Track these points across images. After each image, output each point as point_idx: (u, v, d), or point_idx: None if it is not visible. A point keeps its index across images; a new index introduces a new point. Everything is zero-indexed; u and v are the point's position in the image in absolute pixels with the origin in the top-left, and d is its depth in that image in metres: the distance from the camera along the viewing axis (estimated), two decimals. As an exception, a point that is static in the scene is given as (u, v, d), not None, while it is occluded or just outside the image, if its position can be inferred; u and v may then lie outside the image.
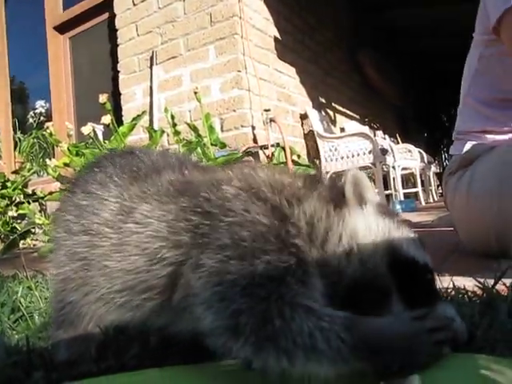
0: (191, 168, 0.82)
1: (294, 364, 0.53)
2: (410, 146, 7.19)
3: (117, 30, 5.45)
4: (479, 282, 0.99)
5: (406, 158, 6.47)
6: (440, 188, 9.56)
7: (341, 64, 7.40)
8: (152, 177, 0.78)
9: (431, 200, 7.50)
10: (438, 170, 10.24)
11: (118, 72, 5.42)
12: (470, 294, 0.98)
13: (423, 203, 6.62)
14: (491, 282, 1.00)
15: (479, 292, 0.97)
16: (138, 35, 5.29)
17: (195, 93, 4.26)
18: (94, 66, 6.00)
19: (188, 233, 0.65)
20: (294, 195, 0.66)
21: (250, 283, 0.56)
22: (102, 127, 4.45)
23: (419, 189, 6.81)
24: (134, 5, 5.32)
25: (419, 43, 9.34)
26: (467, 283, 1.07)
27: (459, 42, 8.49)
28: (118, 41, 5.43)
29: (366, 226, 0.64)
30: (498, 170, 1.68)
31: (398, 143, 8.02)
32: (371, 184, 0.71)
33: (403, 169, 6.31)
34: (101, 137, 4.24)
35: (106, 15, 5.82)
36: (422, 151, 7.43)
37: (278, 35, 5.40)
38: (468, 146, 1.86)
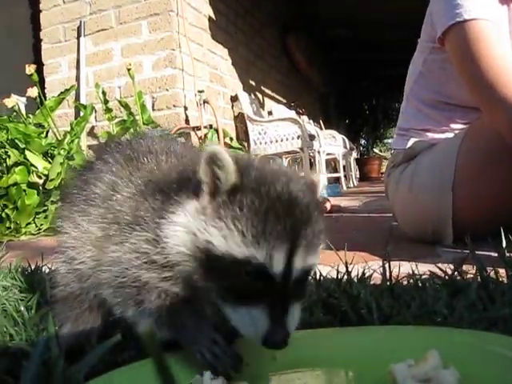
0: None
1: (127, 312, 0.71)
2: (334, 133, 7.47)
3: (39, -5, 5.09)
4: (441, 270, 1.10)
5: (331, 143, 6.72)
6: (358, 173, 10.04)
7: (271, 47, 7.46)
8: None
9: (351, 185, 7.86)
10: (358, 156, 10.75)
11: (41, 41, 5.07)
12: (435, 279, 1.09)
13: (345, 188, 6.93)
14: (443, 266, 1.13)
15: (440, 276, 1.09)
16: (63, 2, 4.97)
17: (128, 69, 4.12)
18: (12, 32, 5.55)
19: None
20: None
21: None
22: (24, 100, 4.18)
23: (341, 174, 7.11)
24: (60, -31, 4.98)
25: (346, 33, 9.62)
26: (422, 268, 1.20)
27: (385, 34, 8.90)
28: (41, 6, 5.07)
29: (186, 223, 0.65)
30: (439, 166, 1.87)
31: (322, 129, 8.28)
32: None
33: (327, 154, 6.55)
34: (23, 110, 3.98)
35: (26, -24, 5.39)
36: (344, 138, 7.74)
37: (212, 15, 5.32)
38: (411, 142, 2.04)
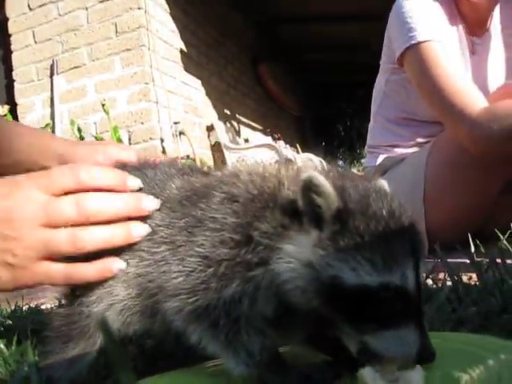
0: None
1: (212, 344, 0.65)
2: (311, 155, 7.57)
3: (10, 36, 5.12)
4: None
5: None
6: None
7: (243, 77, 7.59)
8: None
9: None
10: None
11: (14, 81, 5.08)
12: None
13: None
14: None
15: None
16: (35, 42, 5.01)
17: (103, 105, 4.16)
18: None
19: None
20: (256, 212, 0.65)
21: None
22: None
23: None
24: (30, 9, 5.04)
25: (315, 57, 9.87)
26: None
27: (354, 56, 9.14)
28: (13, 47, 5.10)
29: (303, 257, 0.60)
30: (409, 179, 1.95)
31: (299, 153, 8.38)
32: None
33: (306, 177, 6.60)
34: (-2, 151, 3.96)
35: (-5, 18, 5.43)
36: (321, 160, 7.84)
37: (183, 47, 5.42)
38: (380, 158, 2.12)
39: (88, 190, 0.71)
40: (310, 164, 0.72)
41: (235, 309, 0.63)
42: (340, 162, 15.76)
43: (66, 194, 0.71)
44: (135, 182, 0.74)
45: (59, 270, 0.70)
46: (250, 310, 0.64)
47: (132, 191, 0.74)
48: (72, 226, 0.69)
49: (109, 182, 0.72)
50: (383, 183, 0.69)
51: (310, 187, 0.59)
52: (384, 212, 0.59)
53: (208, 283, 0.64)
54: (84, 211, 0.68)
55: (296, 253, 0.60)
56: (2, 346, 1.02)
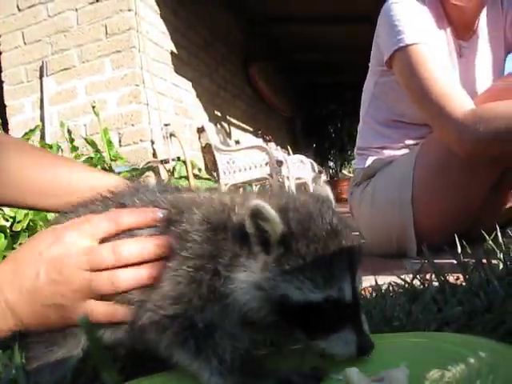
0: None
1: (183, 354, 0.69)
2: (302, 157, 7.59)
3: (-1, 37, 5.10)
4: (401, 279, 1.16)
5: (299, 168, 6.82)
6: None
7: (233, 78, 7.60)
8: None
9: (322, 207, 7.94)
10: (327, 179, 10.91)
11: (2, 82, 5.06)
12: (395, 288, 1.14)
13: (316, 211, 7.00)
14: (404, 277, 1.19)
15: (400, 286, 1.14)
16: (24, 43, 4.99)
17: (93, 107, 4.15)
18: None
19: None
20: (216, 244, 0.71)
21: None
22: (-13, 142, 4.13)
23: (311, 197, 7.19)
24: (20, 10, 5.02)
25: (306, 57, 9.91)
26: (386, 280, 1.26)
27: (344, 57, 9.19)
28: (1, 48, 5.07)
29: (254, 281, 0.66)
30: (397, 181, 1.97)
31: (290, 154, 8.40)
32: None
33: (297, 179, 6.64)
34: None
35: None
36: (312, 161, 7.87)
37: (174, 49, 5.42)
38: (369, 160, 2.13)
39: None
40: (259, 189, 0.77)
41: (206, 316, 0.68)
42: (331, 164, 15.85)
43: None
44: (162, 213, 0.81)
45: (103, 308, 0.78)
46: (221, 319, 0.69)
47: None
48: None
49: (139, 224, 0.81)
50: (326, 196, 0.77)
51: (256, 214, 0.65)
52: (323, 232, 0.67)
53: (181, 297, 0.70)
54: (119, 257, 0.78)
55: (247, 278, 0.67)
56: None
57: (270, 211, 0.65)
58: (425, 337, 0.72)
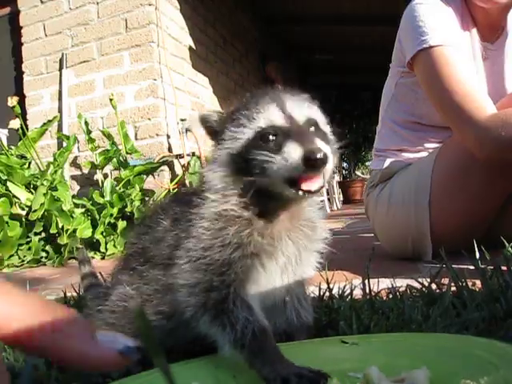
0: None
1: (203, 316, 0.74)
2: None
3: (21, 28, 5.15)
4: (419, 282, 1.15)
5: (313, 168, 6.81)
6: (341, 196, 10.14)
7: (250, 76, 7.60)
8: None
9: (335, 208, 7.94)
10: (341, 180, 10.87)
11: (23, 73, 5.11)
12: (412, 291, 1.13)
13: (329, 211, 7.00)
14: (422, 280, 1.18)
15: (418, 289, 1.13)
16: (45, 35, 5.04)
17: (111, 100, 4.18)
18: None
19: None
20: None
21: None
22: (6, 131, 4.19)
23: (325, 197, 7.19)
24: (42, 2, 5.06)
25: (322, 57, 9.87)
26: (402, 283, 1.25)
27: (363, 57, 9.13)
28: (23, 39, 5.13)
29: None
30: (415, 184, 1.95)
31: (304, 153, 8.38)
32: None
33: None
34: (5, 142, 3.99)
35: (7, 10, 5.45)
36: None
37: (192, 45, 5.43)
38: (387, 162, 2.11)
39: None
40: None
41: (227, 277, 0.73)
42: (344, 165, 15.79)
43: None
44: None
45: None
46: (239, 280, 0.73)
47: None
48: None
49: None
50: None
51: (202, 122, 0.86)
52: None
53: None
54: None
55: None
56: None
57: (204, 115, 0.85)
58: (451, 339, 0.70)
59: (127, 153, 4.25)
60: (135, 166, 4.02)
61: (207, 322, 0.73)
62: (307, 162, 0.68)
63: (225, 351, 0.70)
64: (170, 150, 4.68)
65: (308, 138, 0.71)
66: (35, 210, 3.26)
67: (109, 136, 4.30)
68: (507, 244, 1.30)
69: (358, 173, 14.80)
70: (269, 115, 0.75)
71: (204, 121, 0.83)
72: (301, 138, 0.71)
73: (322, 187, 0.72)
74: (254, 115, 0.76)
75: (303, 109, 0.78)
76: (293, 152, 0.69)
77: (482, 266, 1.17)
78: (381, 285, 1.21)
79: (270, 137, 0.73)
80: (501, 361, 0.52)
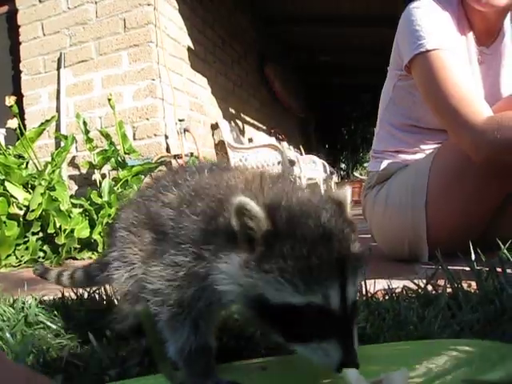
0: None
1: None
2: (314, 157, 7.60)
3: (19, 27, 5.14)
4: (415, 284, 1.16)
5: (311, 168, 6.82)
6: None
7: (249, 76, 7.61)
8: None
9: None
10: (339, 180, 10.89)
11: (21, 72, 5.10)
12: (408, 292, 1.14)
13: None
14: (418, 281, 1.18)
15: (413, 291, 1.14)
16: (43, 34, 5.03)
17: (109, 99, 4.18)
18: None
19: None
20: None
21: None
22: (4, 131, 4.19)
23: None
24: (40, 1, 5.06)
25: (322, 58, 9.89)
26: (398, 284, 1.25)
27: (362, 58, 9.14)
28: (21, 38, 5.12)
29: (234, 276, 0.65)
30: (411, 185, 1.96)
31: (302, 154, 8.40)
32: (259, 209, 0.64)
33: (308, 179, 6.64)
34: (3, 141, 3.99)
35: (5, 8, 5.44)
36: (324, 162, 7.87)
37: (191, 45, 5.44)
38: (384, 164, 2.12)
39: None
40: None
41: (185, 300, 0.72)
42: (343, 165, 15.82)
43: None
44: None
45: None
46: (196, 306, 0.72)
47: None
48: None
49: None
50: (340, 194, 0.72)
51: (242, 211, 0.63)
52: (314, 234, 0.62)
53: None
54: None
55: (228, 271, 0.65)
56: (8, 336, 1.03)
57: (254, 208, 0.62)
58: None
59: (125, 153, 4.25)
60: (133, 166, 4.02)
61: (164, 326, 0.74)
62: (341, 368, 0.61)
63: (169, 353, 0.73)
64: (168, 150, 4.69)
65: (349, 338, 0.63)
66: (33, 210, 3.26)
67: (107, 136, 4.30)
68: (502, 246, 1.31)
69: (356, 174, 14.83)
70: (328, 293, 0.61)
71: (241, 211, 0.64)
72: (343, 335, 0.62)
73: None
74: (312, 280, 0.61)
75: (355, 287, 0.66)
76: (331, 352, 0.62)
77: (478, 268, 1.18)
78: (377, 286, 1.22)
79: (315, 316, 0.62)
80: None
